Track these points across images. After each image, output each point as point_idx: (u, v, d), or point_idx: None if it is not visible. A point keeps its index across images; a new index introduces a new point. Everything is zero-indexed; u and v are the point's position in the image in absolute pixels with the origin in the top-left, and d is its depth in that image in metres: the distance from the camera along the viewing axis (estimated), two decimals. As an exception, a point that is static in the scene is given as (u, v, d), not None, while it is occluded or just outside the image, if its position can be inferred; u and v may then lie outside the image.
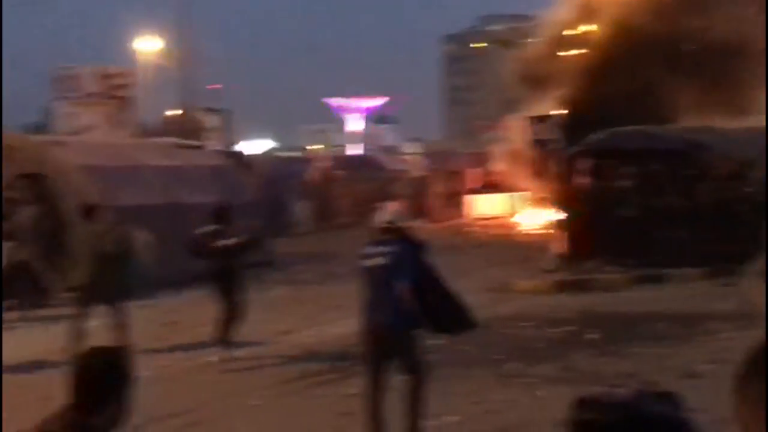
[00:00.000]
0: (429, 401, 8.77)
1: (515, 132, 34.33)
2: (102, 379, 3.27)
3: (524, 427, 8.05)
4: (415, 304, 7.23)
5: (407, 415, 7.24)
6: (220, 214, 11.42)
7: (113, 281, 10.98)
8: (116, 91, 32.33)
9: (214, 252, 10.83)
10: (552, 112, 20.69)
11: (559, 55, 30.92)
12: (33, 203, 15.19)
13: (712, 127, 20.46)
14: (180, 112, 49.92)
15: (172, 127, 42.86)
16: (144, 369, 10.48)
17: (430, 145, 76.25)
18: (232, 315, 10.75)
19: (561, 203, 18.39)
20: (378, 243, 7.51)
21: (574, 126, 20.11)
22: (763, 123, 19.14)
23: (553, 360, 10.52)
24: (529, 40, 44.88)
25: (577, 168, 18.55)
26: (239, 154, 30.20)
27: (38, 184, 15.87)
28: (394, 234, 7.46)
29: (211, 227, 11.00)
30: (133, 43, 45.20)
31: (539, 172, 25.13)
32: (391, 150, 70.35)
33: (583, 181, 18.24)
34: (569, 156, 18.81)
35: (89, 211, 11.60)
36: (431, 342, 11.43)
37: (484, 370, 10.20)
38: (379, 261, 7.25)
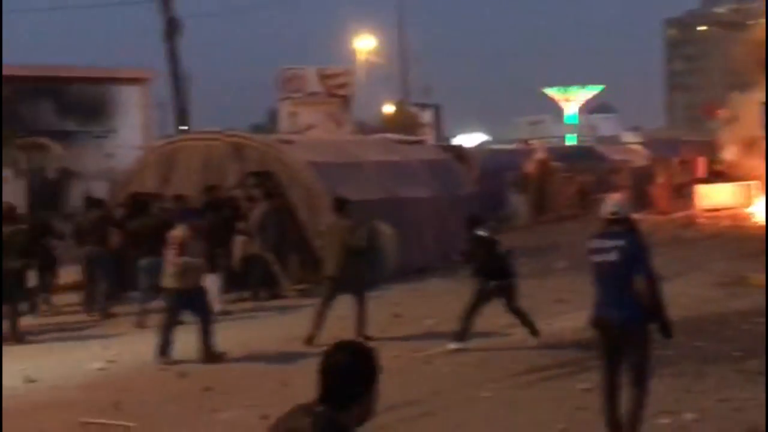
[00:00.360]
0: (666, 397, 8.60)
1: (746, 117, 32.79)
2: (353, 375, 3.29)
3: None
4: (652, 299, 7.06)
5: (627, 411, 7.10)
6: (477, 221, 11.71)
7: (361, 273, 11.62)
8: (337, 90, 33.41)
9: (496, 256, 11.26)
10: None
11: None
12: (263, 199, 15.88)
13: None
14: (394, 108, 51.13)
15: (388, 124, 43.95)
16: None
17: (651, 133, 73.99)
18: (476, 310, 10.88)
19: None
20: (606, 235, 7.31)
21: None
22: None
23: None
24: (757, 21, 42.71)
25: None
26: (458, 148, 30.48)
27: (268, 181, 16.60)
28: (621, 225, 7.28)
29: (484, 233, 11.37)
30: (350, 42, 46.62)
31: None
32: (610, 140, 68.71)
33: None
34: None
35: (340, 206, 12.22)
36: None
37: (722, 367, 9.82)
38: (612, 256, 7.08)
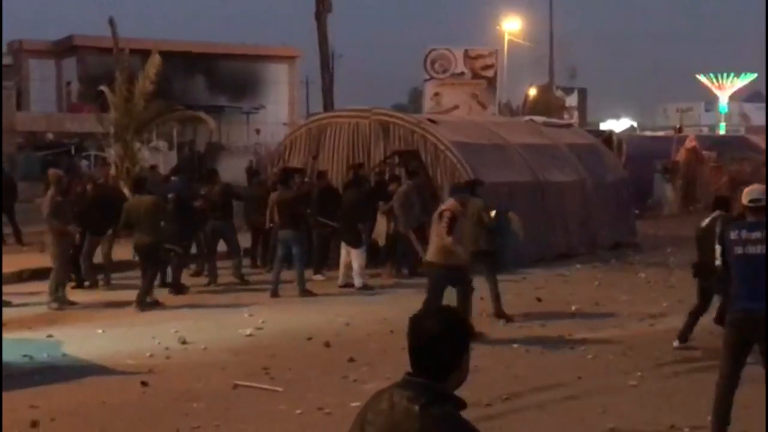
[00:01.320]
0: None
1: None
2: (447, 343, 3.17)
3: None
4: None
5: None
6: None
7: (489, 253, 11.65)
8: (482, 72, 33.30)
9: None
10: None
11: None
12: (407, 177, 16.00)
13: None
14: (538, 91, 50.55)
15: (533, 106, 43.49)
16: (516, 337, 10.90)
17: (808, 125, 70.77)
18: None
19: None
20: (749, 226, 6.95)
21: None
22: None
23: None
24: None
25: None
26: (608, 133, 29.93)
27: (413, 160, 16.74)
28: (762, 214, 6.91)
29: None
30: (497, 24, 46.28)
31: None
32: (761, 130, 66.04)
33: None
34: None
35: (474, 186, 12.32)
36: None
37: None
38: (758, 248, 6.71)
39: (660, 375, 9.20)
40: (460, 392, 3.20)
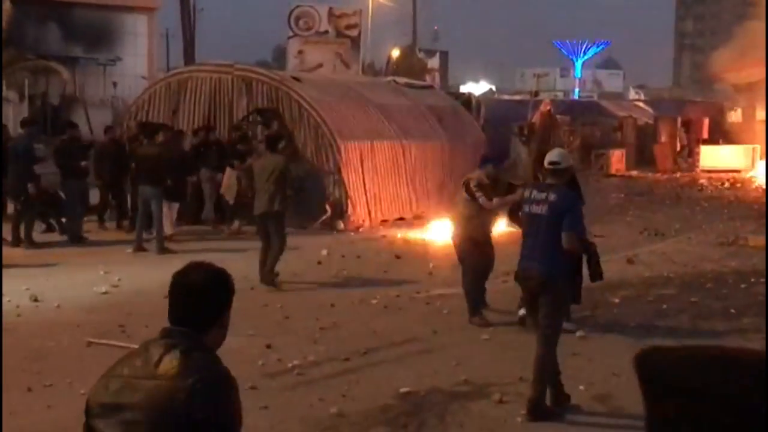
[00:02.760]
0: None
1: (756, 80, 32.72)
2: (210, 296, 3.15)
3: None
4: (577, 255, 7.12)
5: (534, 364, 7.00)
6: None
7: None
8: (346, 31, 33.25)
9: None
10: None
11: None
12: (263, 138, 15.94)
13: None
14: (401, 52, 50.83)
15: (396, 67, 43.70)
16: (373, 298, 11.04)
17: (656, 92, 73.76)
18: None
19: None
20: (542, 187, 7.20)
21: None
22: None
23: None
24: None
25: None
26: (467, 96, 30.42)
27: (274, 117, 16.63)
28: (560, 177, 7.16)
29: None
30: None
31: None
32: (614, 96, 68.46)
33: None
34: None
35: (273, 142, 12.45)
36: (664, 292, 11.38)
37: (716, 323, 9.99)
38: (542, 209, 6.93)
39: (511, 329, 9.50)
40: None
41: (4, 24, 20.49)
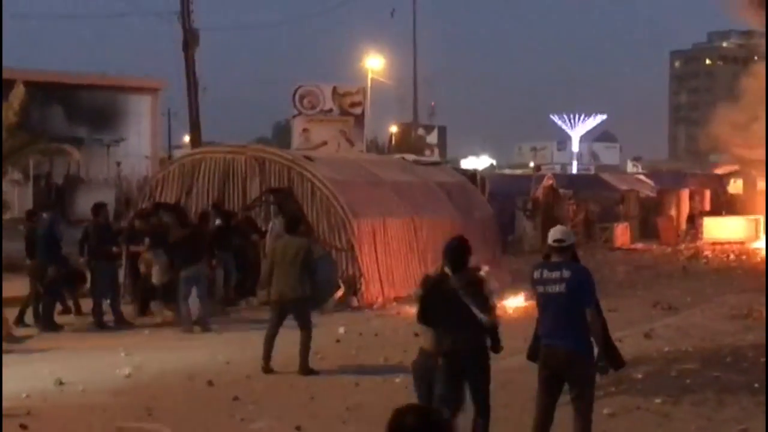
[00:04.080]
0: (689, 426, 8.76)
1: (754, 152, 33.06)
2: None
3: None
4: (601, 330, 7.00)
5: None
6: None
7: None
8: (350, 108, 33.70)
9: None
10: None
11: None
12: (280, 214, 16.09)
13: None
14: (398, 129, 51.50)
15: (396, 143, 44.25)
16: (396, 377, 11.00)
17: (652, 164, 74.29)
18: None
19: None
20: (551, 266, 7.05)
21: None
22: None
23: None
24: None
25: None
26: (473, 171, 30.73)
27: (287, 197, 16.78)
28: (565, 254, 7.06)
29: None
30: (361, 61, 46.88)
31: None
32: (610, 168, 68.94)
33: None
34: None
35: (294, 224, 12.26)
36: (686, 366, 11.38)
37: (741, 397, 9.93)
38: (559, 287, 6.89)
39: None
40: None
41: (17, 107, 20.78)
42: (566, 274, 6.91)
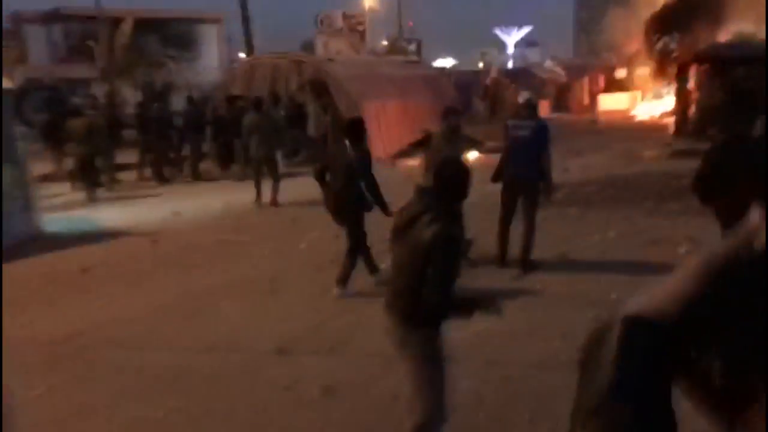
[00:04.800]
0: (595, 224, 8.89)
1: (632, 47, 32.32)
2: (460, 180, 3.30)
3: (665, 241, 7.97)
4: (547, 165, 6.84)
5: (523, 240, 6.93)
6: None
7: None
8: (356, 27, 32.78)
9: None
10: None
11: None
12: (318, 99, 15.86)
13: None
14: (387, 42, 50.02)
15: (389, 52, 43.06)
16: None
17: (564, 61, 72.54)
18: None
19: (678, 96, 17.26)
20: (520, 117, 6.90)
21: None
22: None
23: (677, 200, 10.24)
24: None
25: (687, 72, 17.40)
26: (443, 68, 30.09)
27: (322, 86, 16.51)
28: (532, 110, 6.93)
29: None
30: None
31: (656, 75, 23.73)
32: (536, 66, 67.11)
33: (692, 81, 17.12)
34: (682, 63, 17.58)
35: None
36: (589, 189, 11.46)
37: (628, 206, 10.09)
38: (526, 132, 6.73)
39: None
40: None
41: (126, 39, 20.20)
42: (532, 124, 6.81)
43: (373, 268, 6.66)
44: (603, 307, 5.51)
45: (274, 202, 10.98)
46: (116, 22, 21.36)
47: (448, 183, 3.28)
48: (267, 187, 11.24)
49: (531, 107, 7.07)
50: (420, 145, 7.38)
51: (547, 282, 6.66)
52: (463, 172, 3.33)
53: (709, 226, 1.91)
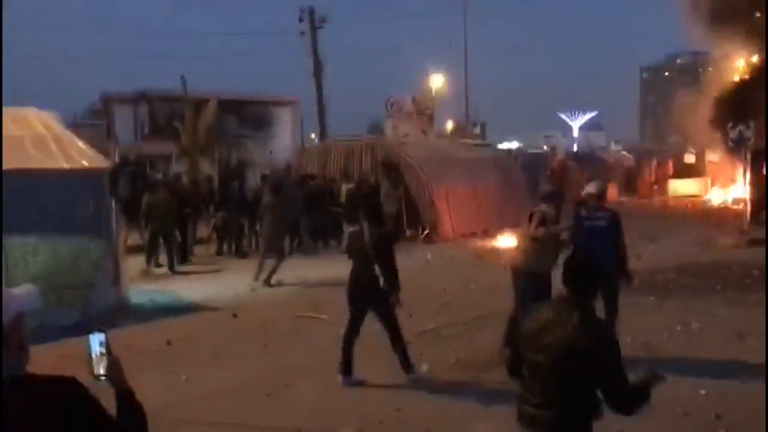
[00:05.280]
0: (675, 314, 8.61)
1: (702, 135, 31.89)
2: (586, 272, 3.14)
3: (749, 334, 7.66)
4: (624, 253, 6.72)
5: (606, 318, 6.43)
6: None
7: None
8: (424, 111, 33.50)
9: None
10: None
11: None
12: (389, 179, 16.17)
13: None
14: (453, 125, 50.92)
15: (456, 134, 43.79)
16: (472, 284, 10.92)
17: (629, 146, 71.99)
18: None
19: (753, 184, 16.83)
20: (592, 209, 6.73)
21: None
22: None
23: (760, 291, 9.87)
24: (708, 68, 41.19)
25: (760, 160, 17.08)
26: (509, 151, 30.32)
27: (393, 167, 16.84)
28: (600, 200, 6.78)
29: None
30: (428, 78, 46.36)
31: (729, 161, 23.29)
32: (600, 149, 66.78)
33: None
34: (756, 151, 17.24)
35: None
36: (665, 276, 11.16)
37: (709, 295, 9.79)
38: (602, 222, 6.63)
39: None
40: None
41: (210, 119, 21.34)
42: (607, 214, 6.74)
43: (407, 366, 6.35)
44: (693, 404, 5.32)
45: (266, 280, 11.05)
46: (199, 103, 22.59)
47: (589, 277, 3.12)
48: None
49: (601, 197, 6.96)
50: (542, 222, 6.59)
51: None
52: (593, 265, 3.21)
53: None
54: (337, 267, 12.60)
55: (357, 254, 6.31)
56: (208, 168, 25.93)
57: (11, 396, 1.77)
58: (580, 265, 3.18)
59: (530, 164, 29.78)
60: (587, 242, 6.76)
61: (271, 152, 44.43)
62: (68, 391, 1.82)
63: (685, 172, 33.33)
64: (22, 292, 1.91)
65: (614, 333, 3.19)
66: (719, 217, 20.46)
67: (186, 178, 20.43)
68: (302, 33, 31.18)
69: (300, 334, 8.31)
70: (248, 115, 45.83)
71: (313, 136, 53.06)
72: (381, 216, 6.35)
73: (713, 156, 29.35)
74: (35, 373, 1.86)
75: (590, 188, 7.05)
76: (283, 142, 46.66)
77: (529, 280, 6.46)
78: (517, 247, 6.86)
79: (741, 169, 18.81)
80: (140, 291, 10.51)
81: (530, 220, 6.64)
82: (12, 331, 1.83)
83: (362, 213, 6.42)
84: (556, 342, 2.94)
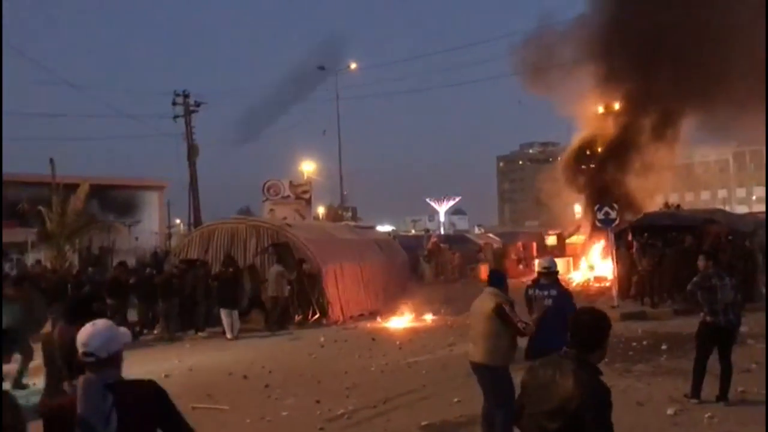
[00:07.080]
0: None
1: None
2: (595, 328, 3.14)
3: (647, 402, 7.96)
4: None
5: None
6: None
7: None
8: (301, 195, 33.60)
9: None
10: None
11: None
12: (279, 262, 15.82)
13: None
14: (325, 209, 51.39)
15: (329, 218, 44.10)
16: (371, 367, 10.66)
17: (489, 229, 75.69)
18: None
19: (618, 262, 18.03)
20: (542, 286, 6.60)
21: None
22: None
23: (645, 361, 10.39)
24: (556, 159, 44.95)
25: (624, 239, 18.46)
26: (389, 233, 30.77)
27: (284, 249, 16.47)
28: (551, 277, 6.64)
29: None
30: (300, 164, 46.87)
31: (592, 242, 24.99)
32: (468, 232, 69.75)
33: (629, 247, 18.10)
34: (619, 231, 18.60)
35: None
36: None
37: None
38: (549, 301, 6.47)
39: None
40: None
41: (80, 204, 20.11)
42: (553, 292, 6.56)
43: None
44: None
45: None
46: (66, 187, 21.24)
47: (593, 332, 3.09)
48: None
49: (549, 274, 6.74)
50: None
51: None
52: (602, 320, 3.13)
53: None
54: (208, 353, 12.16)
55: None
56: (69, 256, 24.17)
57: (121, 394, 2.73)
58: (593, 318, 3.13)
59: (408, 246, 30.35)
60: (541, 322, 6.40)
61: (137, 238, 42.44)
62: (155, 388, 2.85)
63: (548, 252, 35.32)
64: (123, 330, 3.01)
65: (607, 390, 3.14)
66: (586, 294, 21.60)
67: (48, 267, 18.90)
68: (175, 117, 30.51)
69: (201, 427, 7.62)
70: (113, 199, 43.74)
71: (178, 221, 51.30)
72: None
73: (575, 239, 31.52)
74: (125, 378, 2.85)
75: (540, 264, 6.79)
76: (150, 227, 44.75)
77: (494, 375, 5.94)
78: (474, 344, 6.09)
79: (604, 248, 20.18)
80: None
81: (500, 315, 5.89)
82: (120, 353, 2.88)
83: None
84: (547, 395, 2.98)
